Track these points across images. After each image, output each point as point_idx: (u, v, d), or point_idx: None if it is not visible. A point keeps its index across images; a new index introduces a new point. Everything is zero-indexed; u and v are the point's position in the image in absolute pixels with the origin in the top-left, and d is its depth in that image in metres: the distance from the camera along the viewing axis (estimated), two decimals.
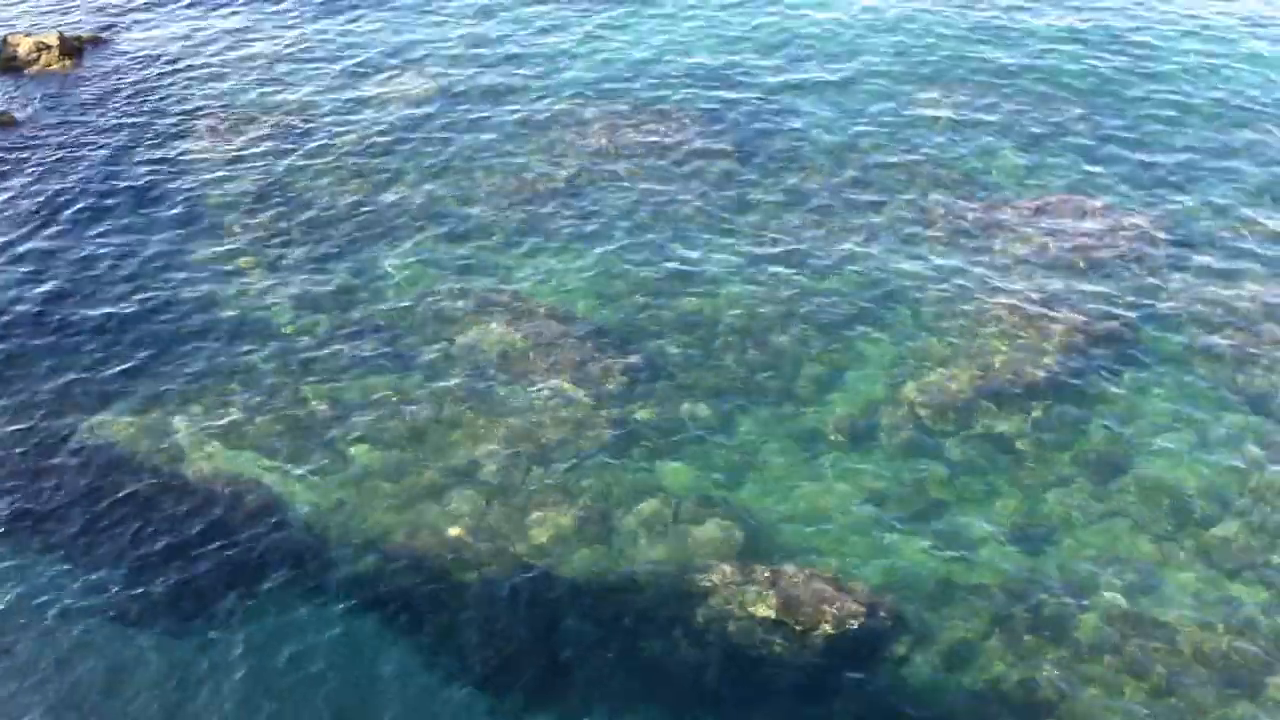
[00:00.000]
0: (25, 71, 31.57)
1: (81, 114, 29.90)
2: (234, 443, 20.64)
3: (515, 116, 30.09)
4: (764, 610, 17.61)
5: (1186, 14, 35.72)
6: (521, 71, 32.23)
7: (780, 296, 23.92)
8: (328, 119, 29.85)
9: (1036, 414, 21.41)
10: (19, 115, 29.65)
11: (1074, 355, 22.62)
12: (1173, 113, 30.68)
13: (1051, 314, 23.51)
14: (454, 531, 18.97)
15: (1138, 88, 31.82)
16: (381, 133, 29.24)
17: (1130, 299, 24.11)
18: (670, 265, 24.77)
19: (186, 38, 33.68)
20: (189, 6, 35.28)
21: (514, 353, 22.39)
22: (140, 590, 18.16)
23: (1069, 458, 20.58)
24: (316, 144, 28.76)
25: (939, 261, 25.05)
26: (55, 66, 31.57)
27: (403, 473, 20.05)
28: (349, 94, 30.98)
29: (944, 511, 19.57)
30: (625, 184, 27.37)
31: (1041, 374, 22.17)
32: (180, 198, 26.85)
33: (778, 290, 24.09)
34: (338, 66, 32.27)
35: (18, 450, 20.44)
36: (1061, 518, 19.50)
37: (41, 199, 26.59)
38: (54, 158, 28.06)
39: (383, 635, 17.51)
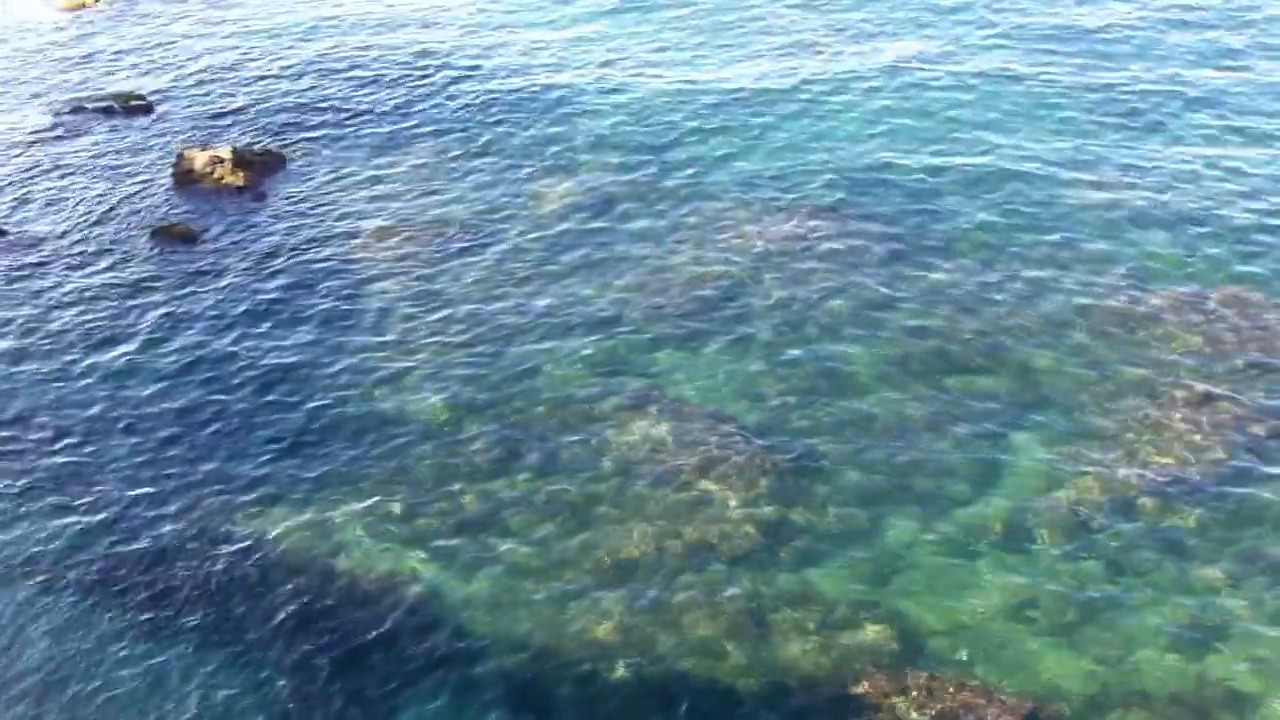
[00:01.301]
0: (200, 184, 33.28)
1: (254, 226, 31.39)
2: (389, 537, 21.20)
3: (665, 217, 30.61)
4: (916, 719, 17.29)
5: None
6: (670, 171, 32.81)
7: (932, 395, 23.72)
8: (485, 226, 30.77)
9: (1198, 513, 20.75)
10: (195, 227, 31.25)
11: (1239, 451, 21.89)
12: None
13: (1214, 408, 22.82)
14: (603, 632, 19.10)
15: None
16: (535, 238, 30.03)
17: None
18: (819, 365, 24.79)
19: (354, 156, 35.17)
20: (355, 122, 36.85)
21: (663, 452, 22.60)
22: (296, 685, 18.63)
23: (1236, 558, 19.86)
24: (473, 250, 29.67)
25: (1096, 357, 24.55)
26: (229, 180, 33.24)
27: (551, 571, 20.32)
28: (502, 200, 31.92)
29: (1103, 615, 19.01)
30: (775, 282, 27.54)
31: (1205, 471, 21.50)
32: (342, 303, 27.91)
33: (929, 389, 23.90)
34: (493, 175, 33.28)
35: (188, 547, 21.28)
36: (1229, 622, 18.77)
37: (217, 307, 27.91)
38: (228, 268, 29.47)
39: None
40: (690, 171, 32.82)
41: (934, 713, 17.33)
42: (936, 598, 19.41)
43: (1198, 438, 22.18)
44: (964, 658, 18.34)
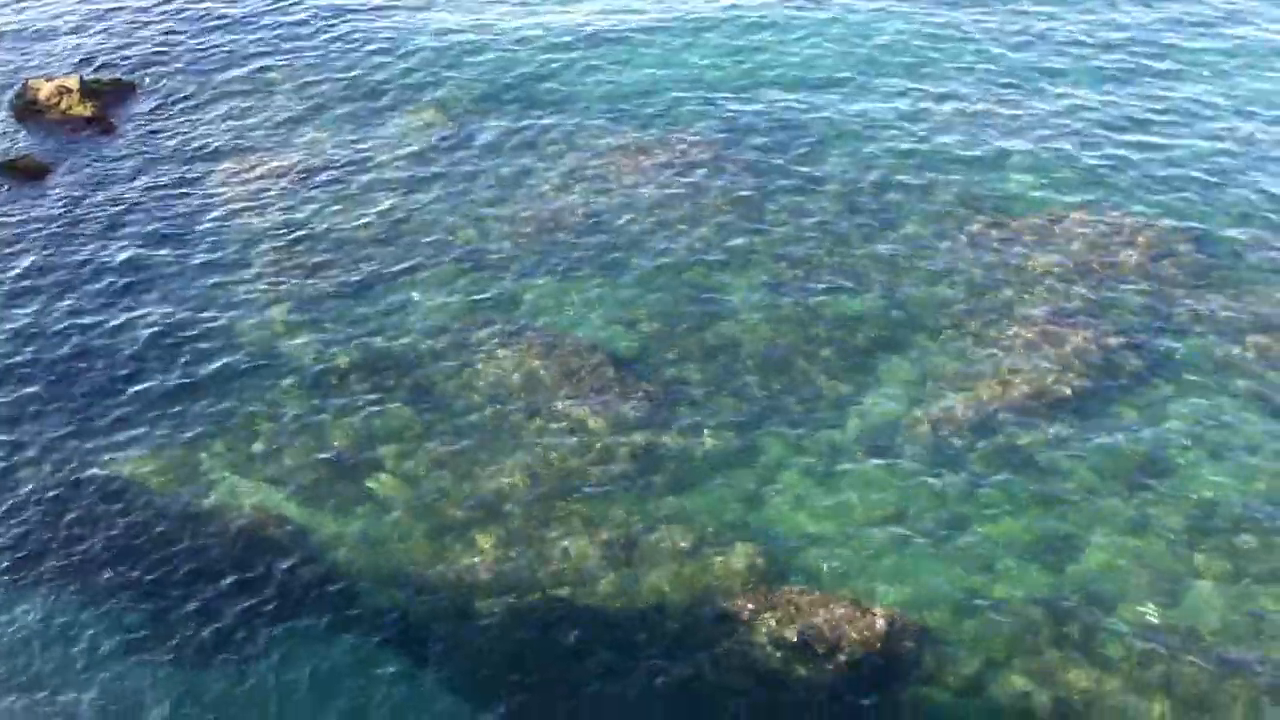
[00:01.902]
0: (46, 116, 31.98)
1: (102, 159, 30.30)
2: (257, 477, 20.88)
3: (533, 149, 30.30)
4: (788, 635, 17.67)
5: (1201, 17, 35.65)
6: (531, 101, 32.44)
7: (800, 320, 24.00)
8: (347, 157, 30.15)
9: (1058, 428, 21.42)
10: (43, 160, 30.05)
11: (1095, 368, 22.60)
12: (1190, 121, 30.65)
13: (1072, 328, 23.49)
14: (476, 561, 19.10)
15: (1154, 90, 31.83)
16: (399, 169, 29.51)
17: (1152, 311, 24.08)
18: (689, 292, 24.89)
19: (207, 82, 34.08)
20: (208, 54, 35.65)
21: (536, 384, 22.55)
22: (164, 626, 18.37)
23: (1091, 471, 20.57)
24: (336, 182, 29.07)
25: (957, 279, 25.07)
26: (76, 110, 31.97)
27: (427, 506, 20.21)
28: (367, 132, 31.27)
29: (966, 529, 19.57)
30: (643, 212, 27.52)
31: (1063, 388, 22.16)
32: (204, 239, 27.17)
33: (797, 314, 24.18)
34: (354, 106, 32.56)
35: (47, 490, 20.70)
36: (1085, 531, 19.48)
37: (70, 244, 26.93)
38: (80, 202, 28.44)
39: (407, 669, 17.64)
40: (558, 105, 32.46)
41: (803, 626, 17.71)
42: (805, 517, 19.79)
43: (1055, 354, 22.82)
44: (833, 574, 18.75)
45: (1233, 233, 26.36)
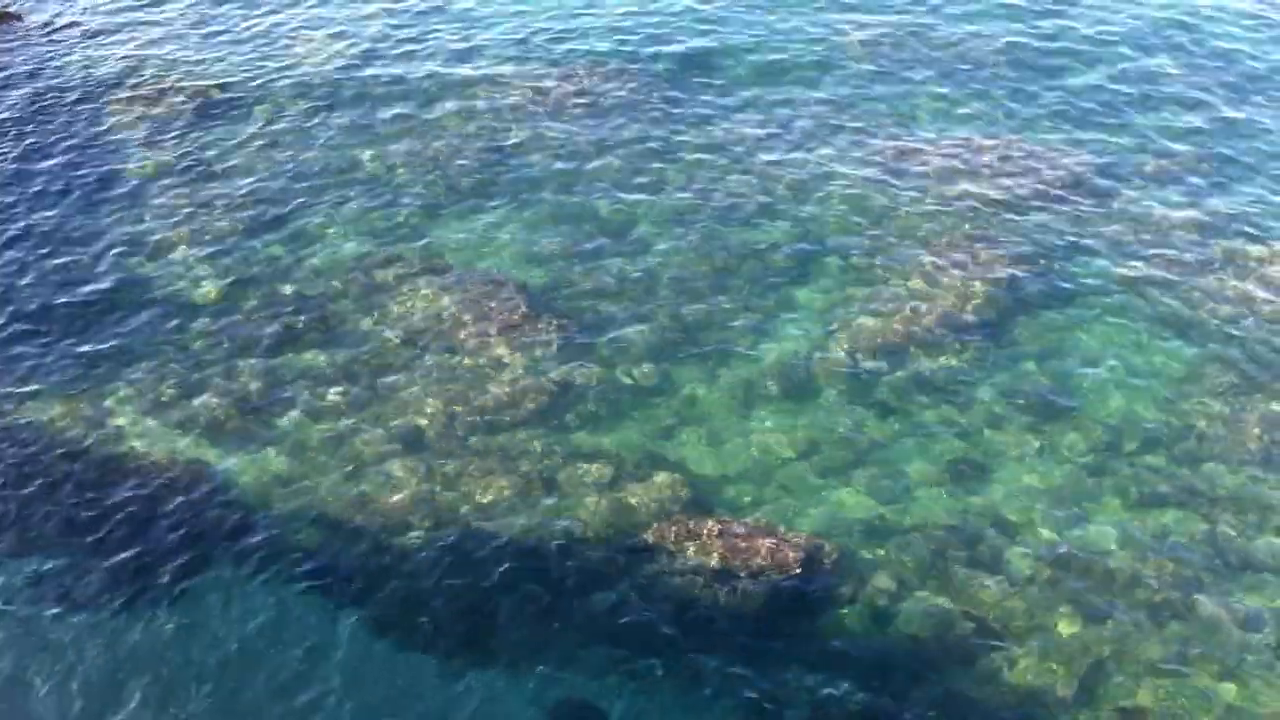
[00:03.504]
0: None
1: None
2: (167, 420, 20.51)
3: (432, 79, 29.84)
4: (708, 562, 17.88)
5: None
6: (436, 31, 31.91)
7: (710, 251, 24.05)
8: (244, 87, 29.45)
9: (967, 354, 21.78)
10: None
11: (1003, 294, 22.98)
12: (1092, 47, 31.09)
13: (978, 254, 23.84)
14: (394, 500, 19.01)
15: (1053, 21, 32.20)
16: (297, 98, 28.91)
17: (1056, 235, 24.52)
18: (601, 224, 24.80)
19: (99, 11, 32.99)
20: None
21: (446, 319, 22.37)
22: (76, 572, 18.06)
23: (1001, 396, 20.98)
24: (234, 113, 28.41)
25: (864, 206, 25.27)
26: None
27: (340, 444, 20.04)
28: (261, 60, 30.56)
29: (878, 455, 19.90)
30: (548, 144, 27.28)
31: (971, 314, 22.51)
32: (98, 173, 26.43)
33: (708, 243, 24.22)
34: (249, 33, 31.77)
35: None
36: (995, 456, 19.91)
37: None
38: None
39: (325, 606, 17.55)
40: (464, 29, 31.99)
41: (723, 554, 17.93)
42: (722, 447, 19.97)
43: (964, 281, 23.15)
44: (750, 502, 18.98)
45: (1134, 159, 26.86)
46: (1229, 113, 28.64)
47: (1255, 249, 24.17)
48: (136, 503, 19.06)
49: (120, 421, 20.49)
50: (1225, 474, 19.56)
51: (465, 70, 30.12)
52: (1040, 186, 25.88)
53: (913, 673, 16.72)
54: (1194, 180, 26.25)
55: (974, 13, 32.79)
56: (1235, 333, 22.17)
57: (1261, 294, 23.02)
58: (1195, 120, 28.33)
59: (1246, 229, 24.73)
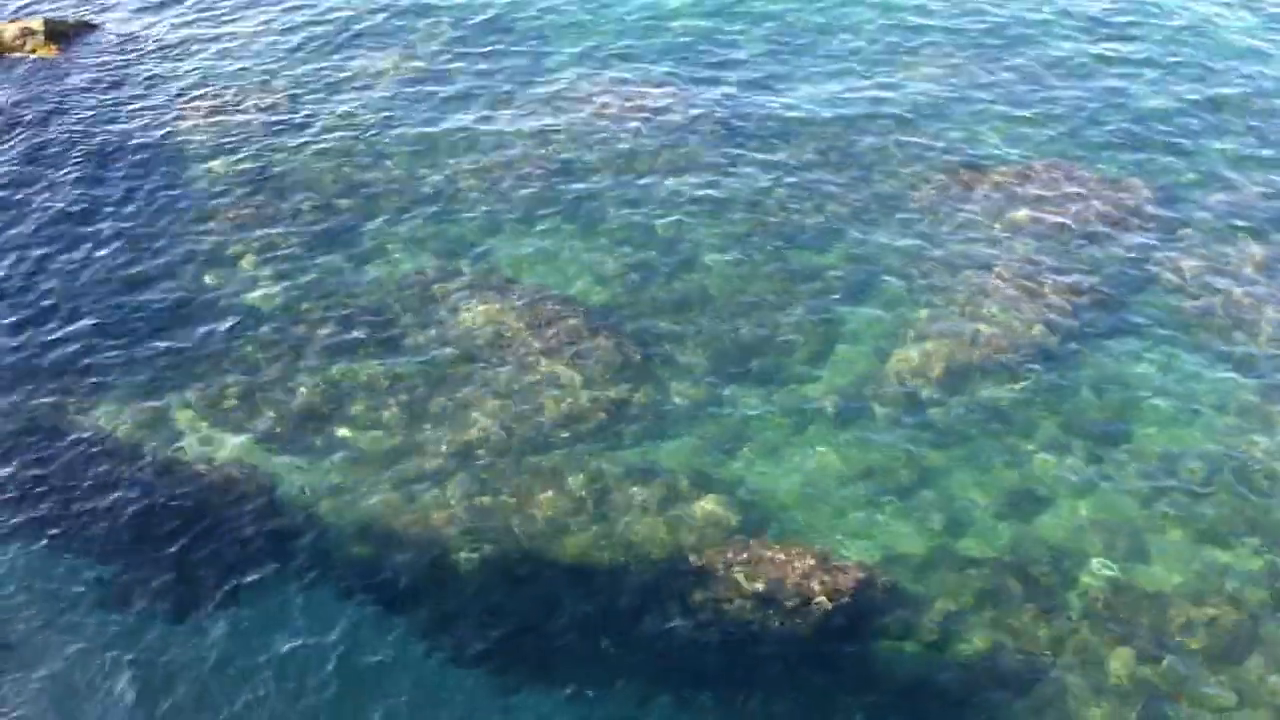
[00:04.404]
0: (9, 57, 31.42)
1: (67, 100, 29.83)
2: (228, 429, 20.77)
3: (503, 93, 30.04)
4: (758, 587, 17.82)
5: None
6: (501, 48, 32.11)
7: (771, 272, 24.01)
8: (313, 100, 29.81)
9: (1026, 382, 21.58)
10: (3, 101, 29.56)
11: (1063, 323, 22.75)
12: (1158, 74, 30.71)
13: (1040, 281, 23.62)
14: (449, 515, 19.12)
15: (1122, 44, 31.86)
16: (367, 112, 29.21)
17: (1119, 265, 24.24)
18: (658, 242, 24.83)
19: (173, 22, 33.56)
20: None
21: (506, 334, 22.49)
22: (134, 577, 18.29)
23: (1059, 425, 20.76)
24: (302, 126, 28.74)
25: (926, 231, 25.14)
26: (41, 52, 31.45)
27: (397, 457, 20.19)
28: (333, 74, 30.91)
29: (934, 483, 19.75)
30: (608, 161, 27.36)
31: (1031, 342, 22.31)
32: (167, 183, 26.83)
33: (769, 266, 24.17)
34: (318, 47, 32.15)
35: (11, 443, 20.52)
36: (1052, 486, 19.70)
37: (27, 187, 26.56)
38: (39, 144, 28.02)
39: (379, 620, 17.68)
40: (529, 47, 32.18)
41: (774, 580, 17.87)
42: (776, 470, 19.90)
43: (1023, 309, 22.95)
44: (803, 527, 18.90)
45: (1201, 190, 26.50)
46: None
47: None
48: (194, 508, 19.31)
49: (180, 428, 20.78)
50: None
51: (529, 87, 30.28)
52: (1105, 212, 25.60)
53: (963, 704, 16.57)
54: (1260, 212, 25.83)
55: (1040, 35, 32.49)
56: None
57: None
58: (1267, 152, 27.89)
59: None
